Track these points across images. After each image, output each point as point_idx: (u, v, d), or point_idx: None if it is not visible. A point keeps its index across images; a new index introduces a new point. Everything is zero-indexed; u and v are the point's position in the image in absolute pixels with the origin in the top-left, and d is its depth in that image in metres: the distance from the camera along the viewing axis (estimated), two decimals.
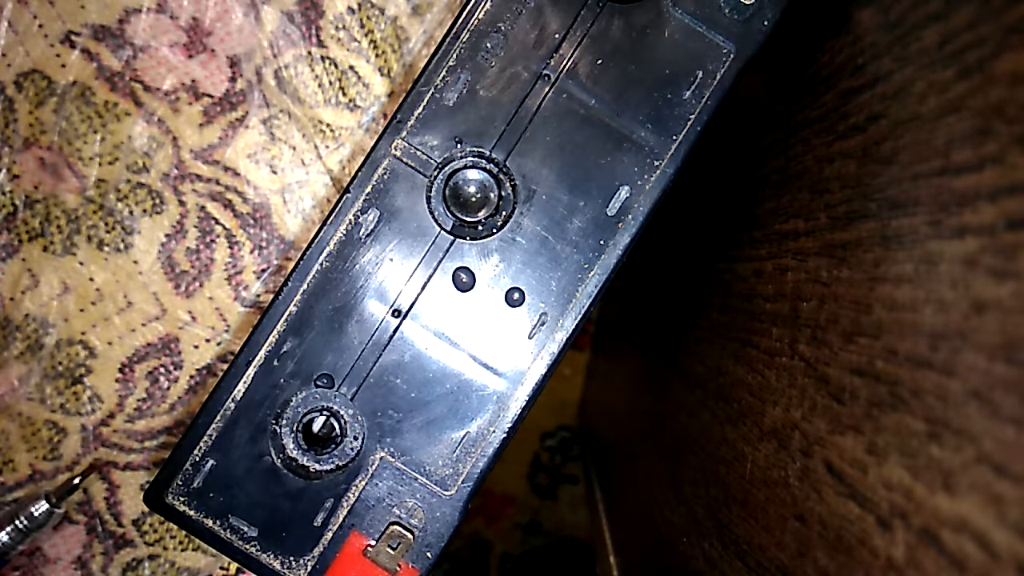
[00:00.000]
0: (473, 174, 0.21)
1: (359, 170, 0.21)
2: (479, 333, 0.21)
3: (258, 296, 0.30)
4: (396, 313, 0.21)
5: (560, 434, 0.68)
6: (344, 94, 0.30)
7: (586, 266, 0.21)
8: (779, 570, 0.20)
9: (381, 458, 0.21)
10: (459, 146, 0.21)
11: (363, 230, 0.21)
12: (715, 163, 0.31)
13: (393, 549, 0.21)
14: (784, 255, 0.23)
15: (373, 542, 0.21)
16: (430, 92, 0.21)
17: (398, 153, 0.21)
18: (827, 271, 0.19)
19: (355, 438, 0.21)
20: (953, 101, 0.15)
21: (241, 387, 0.21)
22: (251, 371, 0.21)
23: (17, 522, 0.28)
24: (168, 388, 0.30)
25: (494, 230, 0.21)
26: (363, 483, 0.21)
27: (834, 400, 0.18)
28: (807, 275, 0.21)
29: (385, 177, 0.21)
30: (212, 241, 0.30)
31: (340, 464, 0.21)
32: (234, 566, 0.31)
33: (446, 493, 0.21)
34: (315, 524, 0.21)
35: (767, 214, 0.25)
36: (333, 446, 0.21)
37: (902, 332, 0.15)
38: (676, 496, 0.32)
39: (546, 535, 0.68)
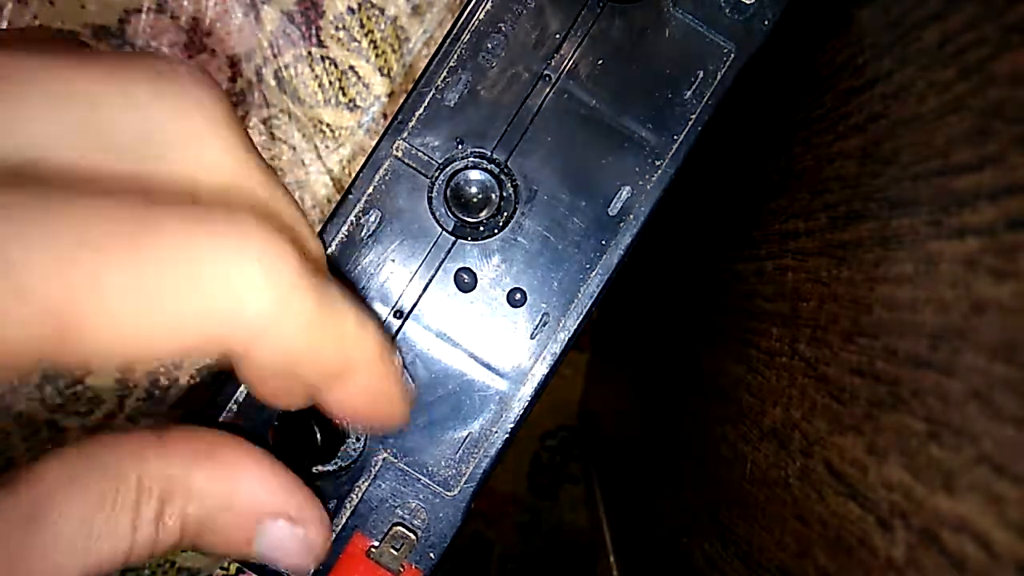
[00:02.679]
0: (474, 175, 0.21)
1: (360, 171, 0.21)
2: (481, 334, 0.21)
3: None
4: (398, 314, 0.21)
5: (560, 434, 0.68)
6: (344, 94, 0.30)
7: (588, 266, 0.21)
8: (779, 570, 0.20)
9: (384, 459, 0.21)
10: (460, 147, 0.21)
11: (364, 231, 0.21)
12: (715, 164, 0.31)
13: (396, 550, 0.21)
14: (784, 255, 0.23)
15: (376, 543, 0.21)
16: (431, 93, 0.21)
17: (399, 154, 0.21)
18: (827, 271, 0.20)
19: (358, 439, 0.21)
20: (953, 101, 0.15)
21: (244, 389, 0.21)
22: None
23: None
24: (168, 388, 0.30)
25: (495, 231, 0.21)
26: (366, 484, 0.21)
27: (834, 400, 0.18)
28: (807, 275, 0.21)
29: (386, 178, 0.21)
30: None
31: (343, 465, 0.21)
32: (234, 566, 0.31)
33: (449, 494, 0.21)
34: None
35: (767, 214, 0.25)
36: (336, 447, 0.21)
37: (902, 332, 0.15)
38: (676, 496, 0.32)
39: (546, 535, 0.68)
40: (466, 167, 0.21)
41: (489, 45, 0.21)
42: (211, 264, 0.13)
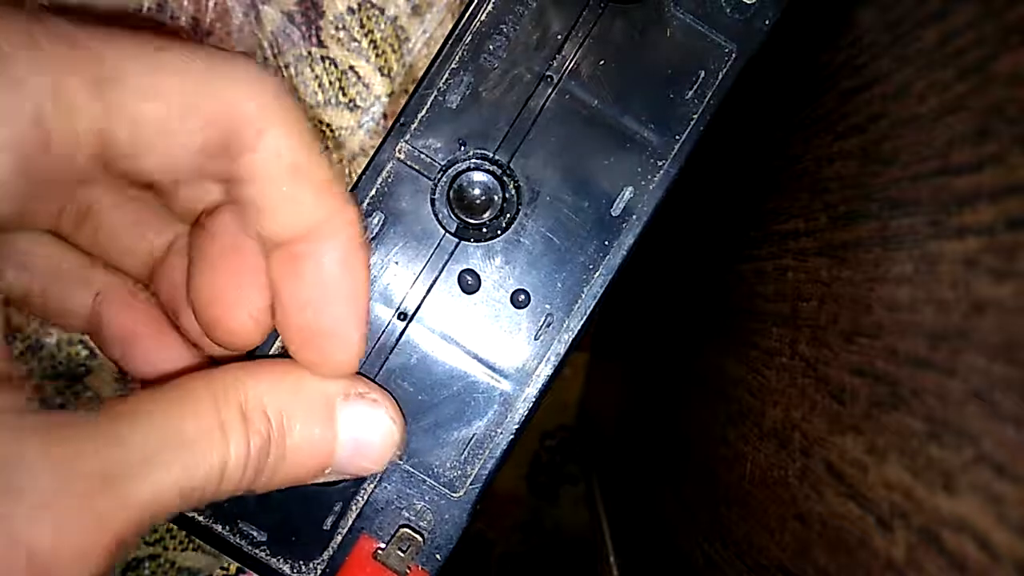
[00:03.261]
0: (477, 176, 0.21)
1: (363, 173, 0.21)
2: (485, 335, 0.21)
3: None
4: (402, 316, 0.21)
5: (560, 434, 0.68)
6: (344, 94, 0.30)
7: (591, 267, 0.21)
8: (779, 570, 0.20)
9: (389, 461, 0.21)
10: (463, 148, 0.21)
11: (368, 234, 0.21)
12: (715, 164, 0.31)
13: (403, 552, 0.21)
14: (784, 255, 0.23)
15: (383, 545, 0.21)
16: (433, 95, 0.21)
17: (402, 156, 0.21)
18: (827, 271, 0.20)
19: None
20: (953, 101, 0.15)
21: None
22: None
23: None
24: None
25: (498, 232, 0.21)
26: (372, 486, 0.21)
27: (834, 400, 0.18)
28: (807, 275, 0.21)
29: (389, 180, 0.21)
30: None
31: None
32: (234, 566, 0.31)
33: (454, 495, 0.21)
34: (324, 528, 0.21)
35: (767, 214, 0.25)
36: None
37: (902, 332, 0.15)
38: (676, 496, 0.32)
39: (546, 535, 0.68)
40: (469, 168, 0.21)
41: (491, 46, 0.21)
42: (213, 75, 0.16)
